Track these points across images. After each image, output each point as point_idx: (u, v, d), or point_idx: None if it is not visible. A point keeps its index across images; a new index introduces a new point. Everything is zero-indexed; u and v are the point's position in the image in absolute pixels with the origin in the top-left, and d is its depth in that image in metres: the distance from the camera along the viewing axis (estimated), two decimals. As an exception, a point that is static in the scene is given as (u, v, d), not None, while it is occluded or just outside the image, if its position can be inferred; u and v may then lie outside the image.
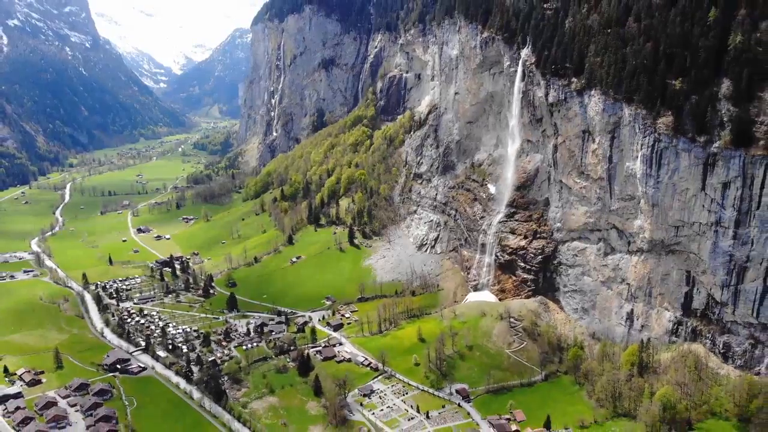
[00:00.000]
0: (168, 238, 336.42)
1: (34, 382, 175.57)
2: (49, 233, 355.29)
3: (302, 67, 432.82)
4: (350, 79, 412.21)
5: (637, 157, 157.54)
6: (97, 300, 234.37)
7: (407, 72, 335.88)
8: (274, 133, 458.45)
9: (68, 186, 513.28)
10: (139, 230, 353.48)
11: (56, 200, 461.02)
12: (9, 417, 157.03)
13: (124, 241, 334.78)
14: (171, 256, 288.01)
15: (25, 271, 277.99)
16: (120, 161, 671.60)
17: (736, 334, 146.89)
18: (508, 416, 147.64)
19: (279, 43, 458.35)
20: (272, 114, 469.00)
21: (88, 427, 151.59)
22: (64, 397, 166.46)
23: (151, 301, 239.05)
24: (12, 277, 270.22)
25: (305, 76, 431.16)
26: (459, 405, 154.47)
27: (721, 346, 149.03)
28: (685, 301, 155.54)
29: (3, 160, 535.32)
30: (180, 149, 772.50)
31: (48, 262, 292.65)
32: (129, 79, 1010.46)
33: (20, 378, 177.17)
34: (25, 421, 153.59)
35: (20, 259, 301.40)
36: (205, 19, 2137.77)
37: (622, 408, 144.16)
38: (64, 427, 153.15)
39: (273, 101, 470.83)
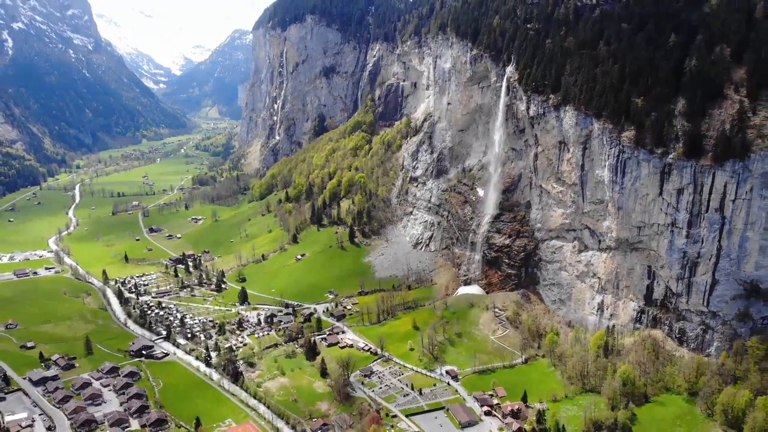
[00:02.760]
0: (179, 238, 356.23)
1: (68, 366, 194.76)
2: (65, 232, 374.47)
3: (304, 74, 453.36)
4: (350, 87, 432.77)
5: (605, 165, 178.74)
6: (118, 294, 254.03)
7: (404, 80, 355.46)
8: (277, 137, 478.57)
9: (77, 187, 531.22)
10: (151, 230, 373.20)
11: (67, 201, 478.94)
12: (49, 396, 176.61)
13: (138, 240, 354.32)
14: (183, 254, 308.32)
15: (46, 268, 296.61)
16: (125, 163, 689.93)
17: (689, 321, 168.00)
18: (491, 392, 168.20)
19: (281, 51, 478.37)
20: (275, 118, 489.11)
21: (121, 404, 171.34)
22: (97, 379, 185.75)
23: (168, 295, 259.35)
24: (35, 273, 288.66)
25: (307, 82, 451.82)
26: (448, 384, 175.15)
27: (677, 331, 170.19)
28: (647, 293, 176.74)
29: (13, 161, 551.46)
30: (182, 150, 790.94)
31: (67, 260, 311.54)
32: (131, 80, 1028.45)
33: (55, 363, 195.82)
34: (65, 399, 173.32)
35: (40, 257, 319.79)
36: (203, 20, 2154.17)
37: (590, 384, 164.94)
38: (99, 404, 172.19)
39: (276, 106, 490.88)
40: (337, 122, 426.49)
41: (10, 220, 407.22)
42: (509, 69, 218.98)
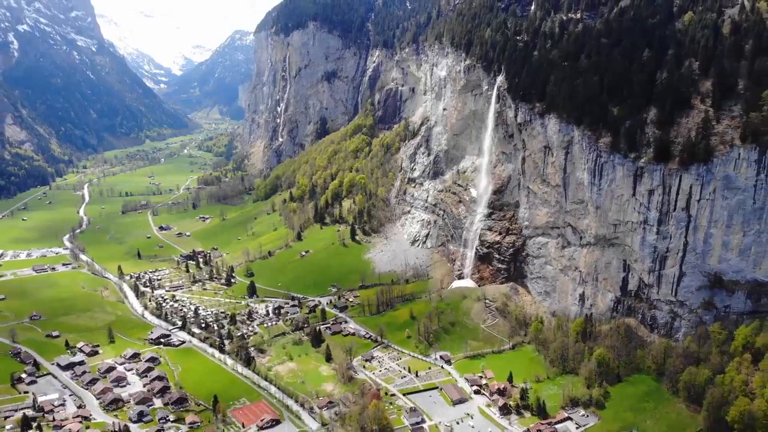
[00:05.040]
0: (188, 235, 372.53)
1: (93, 353, 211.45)
2: (78, 230, 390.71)
3: (306, 78, 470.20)
4: (351, 91, 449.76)
5: (585, 168, 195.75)
6: (134, 288, 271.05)
7: (402, 85, 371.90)
8: (280, 139, 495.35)
9: (86, 187, 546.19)
10: (161, 228, 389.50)
11: (77, 200, 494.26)
12: (77, 379, 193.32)
13: (149, 237, 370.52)
14: (193, 250, 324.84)
15: (64, 264, 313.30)
16: (130, 163, 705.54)
17: (660, 309, 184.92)
18: (480, 374, 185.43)
19: (285, 56, 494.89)
20: (278, 121, 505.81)
21: (144, 385, 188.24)
22: (120, 364, 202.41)
23: (181, 289, 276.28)
24: (53, 269, 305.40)
25: (309, 86, 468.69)
26: (442, 367, 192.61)
27: (648, 319, 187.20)
28: (623, 284, 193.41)
29: (22, 162, 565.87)
30: (186, 151, 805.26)
31: (83, 256, 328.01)
32: (133, 81, 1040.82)
33: (80, 350, 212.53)
34: (92, 381, 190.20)
35: (56, 253, 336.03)
36: (203, 20, 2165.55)
37: (569, 367, 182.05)
38: (124, 386, 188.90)
39: (279, 109, 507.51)
40: (338, 125, 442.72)
41: (23, 219, 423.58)
42: (499, 78, 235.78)
